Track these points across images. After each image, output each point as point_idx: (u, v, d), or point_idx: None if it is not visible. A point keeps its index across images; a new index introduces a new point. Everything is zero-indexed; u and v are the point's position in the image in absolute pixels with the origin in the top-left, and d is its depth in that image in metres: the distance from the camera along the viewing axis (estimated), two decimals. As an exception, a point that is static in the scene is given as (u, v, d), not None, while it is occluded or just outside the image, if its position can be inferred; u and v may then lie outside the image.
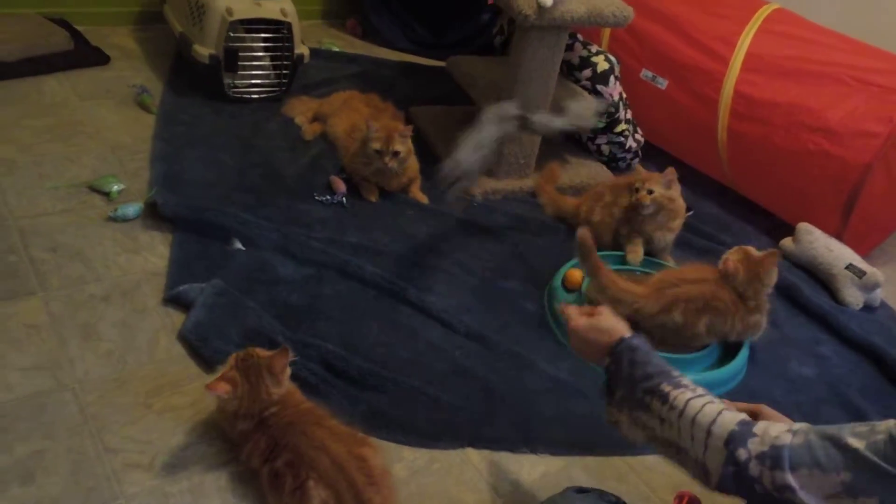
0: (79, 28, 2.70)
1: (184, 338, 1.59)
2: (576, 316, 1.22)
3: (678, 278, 1.82)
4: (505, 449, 1.53)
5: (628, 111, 2.59)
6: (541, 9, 2.02)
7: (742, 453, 0.94)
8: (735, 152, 2.48)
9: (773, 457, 0.91)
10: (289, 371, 1.37)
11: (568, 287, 1.97)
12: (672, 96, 2.59)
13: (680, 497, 1.45)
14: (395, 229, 2.09)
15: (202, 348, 1.56)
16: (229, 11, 2.37)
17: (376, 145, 2.10)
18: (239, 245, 1.87)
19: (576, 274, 1.97)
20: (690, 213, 2.36)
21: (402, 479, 1.40)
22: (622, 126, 2.57)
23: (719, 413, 0.98)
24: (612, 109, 2.50)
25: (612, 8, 2.14)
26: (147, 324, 1.62)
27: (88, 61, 2.58)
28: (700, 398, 1.03)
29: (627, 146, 2.61)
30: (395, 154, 2.11)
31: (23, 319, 1.56)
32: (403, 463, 1.45)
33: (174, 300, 1.68)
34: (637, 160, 2.70)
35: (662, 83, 2.63)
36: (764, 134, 2.37)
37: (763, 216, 2.55)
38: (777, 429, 0.95)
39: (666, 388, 1.04)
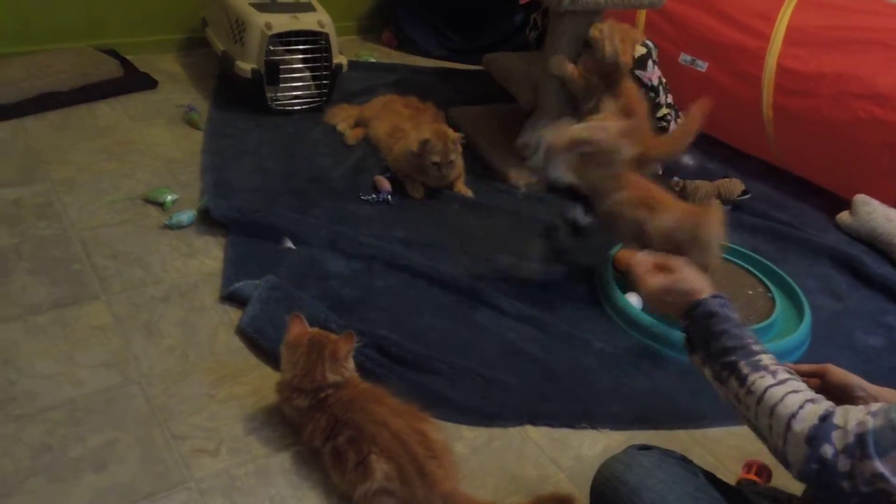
0: (127, 57, 2.81)
1: (241, 331, 1.62)
2: (648, 273, 1.11)
3: None
4: (564, 425, 1.52)
5: (669, 95, 2.56)
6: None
7: (827, 450, 0.87)
8: (782, 128, 2.43)
9: (859, 445, 0.85)
10: (351, 362, 1.38)
11: (618, 268, 1.95)
12: (713, 78, 2.57)
13: (749, 465, 1.42)
14: (441, 223, 2.11)
15: (259, 340, 1.59)
16: (268, 26, 2.43)
17: (435, 158, 2.14)
18: (290, 244, 1.91)
19: (626, 255, 1.95)
20: (747, 195, 2.33)
21: (463, 457, 1.40)
22: (664, 110, 2.54)
23: (801, 407, 0.92)
24: (652, 94, 2.48)
25: (646, -11, 2.14)
26: (206, 321, 1.66)
27: (138, 86, 2.67)
28: (780, 386, 0.95)
29: (670, 130, 2.58)
30: (451, 163, 2.15)
31: (88, 322, 1.61)
32: (463, 441, 1.45)
33: (230, 297, 1.72)
34: (681, 145, 2.67)
35: (702, 66, 2.60)
36: (811, 106, 2.32)
37: (815, 193, 2.49)
38: (857, 414, 0.88)
39: (744, 369, 0.97)
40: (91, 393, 1.44)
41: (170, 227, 1.94)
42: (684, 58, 2.64)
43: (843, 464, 0.86)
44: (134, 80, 2.69)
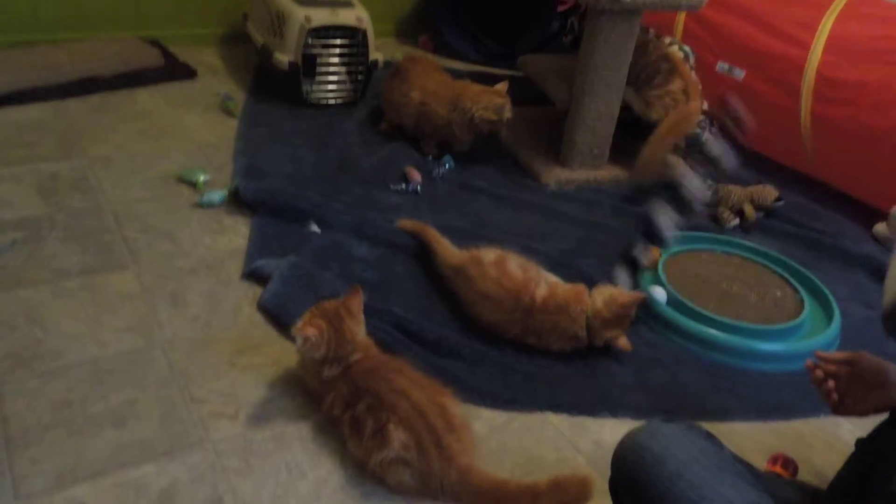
0: (170, 49, 2.87)
1: (262, 307, 1.63)
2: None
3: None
4: (584, 413, 1.49)
5: (704, 102, 2.54)
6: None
7: None
8: (821, 137, 2.39)
9: None
10: (362, 318, 1.38)
11: (644, 263, 1.92)
12: (750, 86, 2.54)
13: (774, 459, 1.38)
14: (470, 214, 2.11)
15: (281, 315, 1.59)
16: (307, 19, 2.47)
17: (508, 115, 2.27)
18: (315, 227, 1.92)
19: (652, 252, 1.93)
20: (781, 202, 2.29)
21: (481, 436, 1.38)
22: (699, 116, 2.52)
23: None
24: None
25: (685, -10, 2.13)
26: (231, 294, 1.67)
27: (178, 75, 2.73)
28: None
29: (704, 138, 2.56)
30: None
31: (117, 288, 1.63)
32: (482, 421, 1.43)
33: (252, 275, 1.73)
34: (715, 153, 2.64)
35: (739, 74, 2.58)
36: (851, 115, 2.28)
37: (851, 204, 2.44)
38: None
39: None
40: (114, 354, 1.45)
41: (201, 205, 1.96)
42: (721, 66, 2.61)
43: None
44: (174, 70, 2.74)
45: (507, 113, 2.28)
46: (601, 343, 1.61)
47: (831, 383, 1.21)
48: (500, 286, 1.62)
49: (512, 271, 1.65)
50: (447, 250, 1.77)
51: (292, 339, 1.51)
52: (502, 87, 2.32)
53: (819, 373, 1.23)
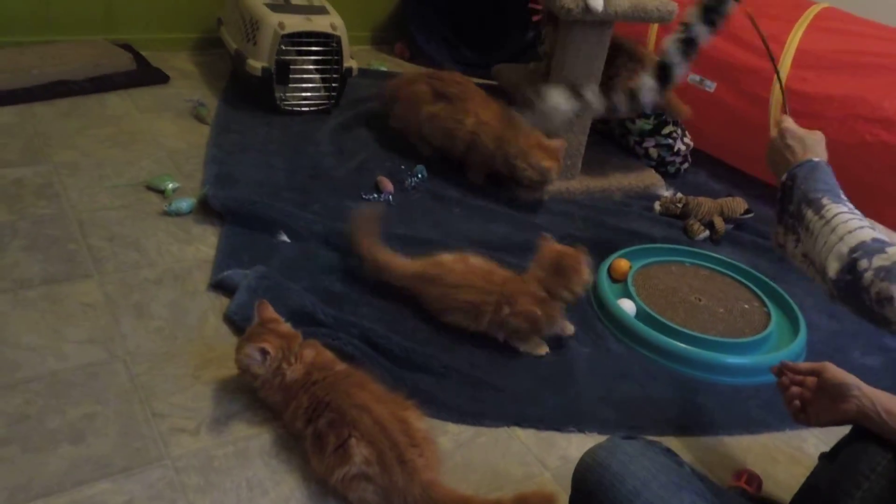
0: (142, 53, 2.83)
1: (228, 318, 1.61)
2: (790, 121, 1.27)
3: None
4: (551, 428, 1.49)
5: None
6: (588, 9, 2.04)
7: (864, 263, 0.94)
8: (788, 150, 2.42)
9: (889, 270, 0.91)
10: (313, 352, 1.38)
11: (613, 277, 1.93)
12: (721, 99, 2.56)
13: (739, 474, 1.39)
14: (441, 224, 2.10)
15: (246, 327, 1.56)
16: (281, 26, 2.46)
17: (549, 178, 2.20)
18: (284, 238, 1.90)
19: (621, 264, 1.94)
20: (750, 214, 2.32)
21: (447, 451, 1.37)
22: (669, 128, 2.54)
23: (860, 228, 0.99)
24: (659, 111, 2.48)
25: (656, 3, 2.15)
26: (196, 305, 1.65)
27: (149, 80, 2.70)
28: (853, 216, 1.02)
29: (676, 149, 2.58)
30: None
31: (79, 298, 1.60)
32: (448, 436, 1.42)
33: (220, 285, 1.71)
34: (686, 164, 2.67)
35: (711, 86, 2.60)
36: (818, 128, 2.30)
37: (821, 217, 2.47)
38: None
39: (825, 200, 1.05)
40: (74, 367, 1.43)
41: (169, 213, 1.93)
42: (693, 77, 2.64)
43: (868, 278, 0.93)
44: (146, 74, 2.71)
45: (554, 176, 2.19)
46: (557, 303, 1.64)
47: (796, 390, 1.23)
48: (470, 273, 1.68)
49: (475, 262, 1.72)
50: (397, 261, 1.75)
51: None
52: (558, 145, 2.18)
53: (785, 379, 1.25)
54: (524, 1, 3.03)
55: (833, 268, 0.97)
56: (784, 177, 1.16)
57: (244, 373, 1.36)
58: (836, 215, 1.02)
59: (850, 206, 1.06)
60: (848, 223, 1.00)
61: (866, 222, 1.03)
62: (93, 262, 1.72)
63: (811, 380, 1.21)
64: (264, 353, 1.32)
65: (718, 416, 1.59)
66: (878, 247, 0.95)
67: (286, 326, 1.41)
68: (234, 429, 1.35)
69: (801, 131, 1.22)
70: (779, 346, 1.77)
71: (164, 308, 1.62)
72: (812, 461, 1.24)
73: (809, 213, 1.05)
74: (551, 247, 1.69)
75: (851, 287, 0.94)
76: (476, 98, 2.31)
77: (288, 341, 1.36)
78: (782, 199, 1.16)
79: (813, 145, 1.19)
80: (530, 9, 3.09)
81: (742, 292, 1.94)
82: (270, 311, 1.42)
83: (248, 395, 1.42)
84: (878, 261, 0.93)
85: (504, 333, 1.67)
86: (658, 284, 1.93)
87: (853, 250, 0.96)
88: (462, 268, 1.70)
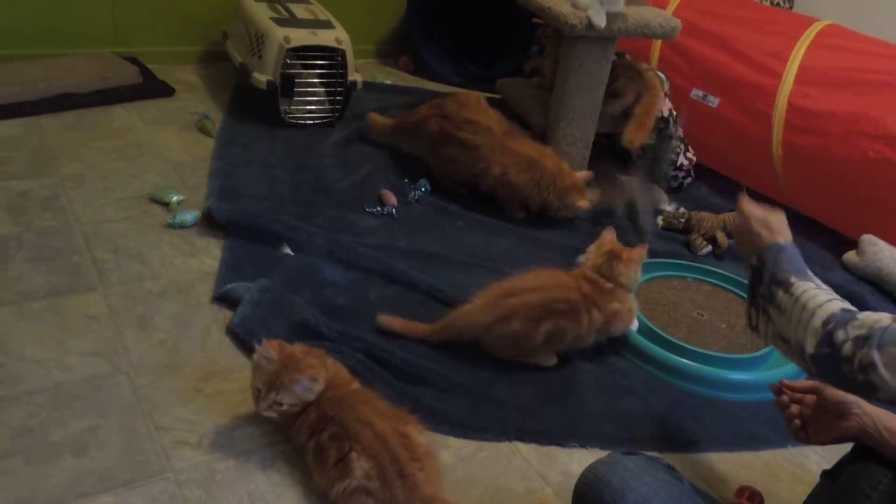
0: (148, 66, 2.86)
1: (231, 331, 1.61)
2: (751, 205, 1.25)
3: (517, 287, 1.68)
4: (553, 443, 1.49)
5: (679, 128, 2.57)
6: (591, 25, 2.05)
7: (840, 335, 0.95)
8: (791, 166, 2.43)
9: (867, 337, 0.92)
10: (328, 369, 1.36)
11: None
12: (724, 114, 2.57)
13: (741, 491, 1.39)
14: (444, 238, 2.11)
15: (249, 340, 1.57)
16: (286, 39, 2.48)
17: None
18: (288, 250, 1.91)
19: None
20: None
21: (448, 466, 1.37)
22: (673, 142, 2.55)
23: (829, 301, 1.00)
24: (662, 125, 2.49)
25: (660, 19, 2.16)
26: (200, 318, 1.65)
27: (155, 93, 2.72)
28: (820, 290, 1.04)
29: (679, 163, 2.59)
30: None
31: (83, 311, 1.61)
32: (450, 450, 1.42)
33: (222, 298, 1.71)
34: (690, 179, 2.67)
35: (713, 101, 2.61)
36: (821, 145, 2.32)
37: (822, 233, 2.47)
38: (881, 315, 0.95)
39: (793, 279, 1.07)
40: (78, 379, 1.43)
41: (173, 226, 1.95)
42: (696, 93, 2.65)
43: (848, 349, 0.94)
44: (152, 87, 2.73)
45: (583, 210, 2.23)
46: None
47: (795, 409, 1.24)
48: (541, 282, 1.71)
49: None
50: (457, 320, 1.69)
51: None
52: (586, 177, 2.22)
53: (784, 398, 1.26)
54: (527, 16, 3.05)
55: (810, 343, 0.99)
56: (754, 260, 1.17)
57: (286, 410, 1.30)
58: (803, 292, 1.04)
59: (818, 281, 1.09)
60: (816, 297, 1.02)
61: (833, 295, 1.05)
62: (97, 274, 1.73)
63: (811, 398, 1.21)
64: (314, 380, 1.30)
65: (720, 432, 1.59)
66: (848, 317, 0.97)
67: (301, 347, 1.37)
68: (236, 442, 1.36)
69: (762, 214, 1.22)
70: (780, 363, 1.77)
71: (167, 321, 1.63)
72: (814, 479, 1.24)
73: (780, 294, 1.07)
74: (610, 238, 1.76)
75: (830, 360, 0.96)
76: (492, 142, 2.21)
77: (320, 360, 1.34)
78: (753, 282, 1.17)
79: (779, 227, 1.20)
80: (533, 23, 3.11)
81: (745, 308, 1.94)
82: (282, 346, 1.35)
83: (250, 408, 1.42)
84: (853, 330, 0.94)
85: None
86: (660, 299, 1.93)
87: (826, 322, 0.97)
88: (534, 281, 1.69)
